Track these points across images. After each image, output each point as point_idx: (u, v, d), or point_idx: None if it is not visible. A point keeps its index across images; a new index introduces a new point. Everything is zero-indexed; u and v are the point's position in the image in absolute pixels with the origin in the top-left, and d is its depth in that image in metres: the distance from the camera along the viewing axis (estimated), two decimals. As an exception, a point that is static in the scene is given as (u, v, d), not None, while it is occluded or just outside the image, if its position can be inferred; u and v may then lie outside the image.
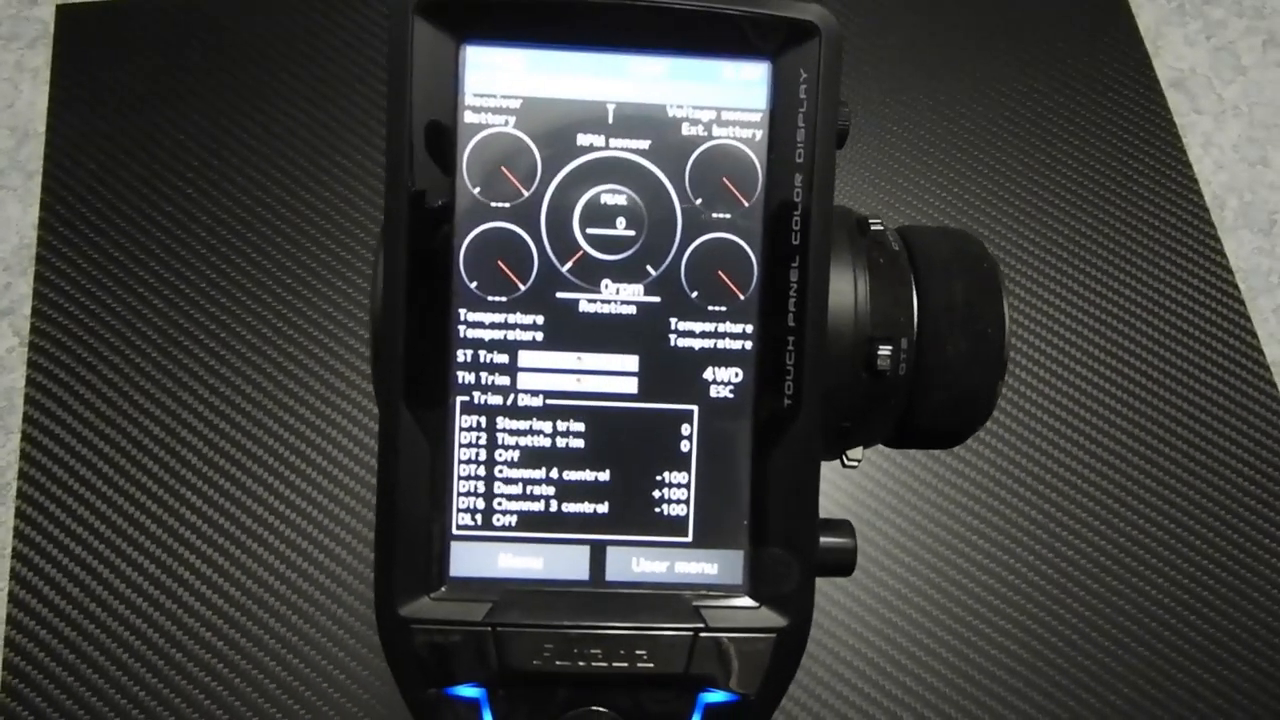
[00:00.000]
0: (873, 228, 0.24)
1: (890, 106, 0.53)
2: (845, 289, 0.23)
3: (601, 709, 0.21)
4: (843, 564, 0.23)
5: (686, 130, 0.21)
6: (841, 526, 0.23)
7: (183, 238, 0.49)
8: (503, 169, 0.21)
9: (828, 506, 0.46)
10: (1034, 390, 0.48)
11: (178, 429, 0.45)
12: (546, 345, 0.21)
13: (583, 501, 0.22)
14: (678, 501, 0.22)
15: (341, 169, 0.51)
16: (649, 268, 0.21)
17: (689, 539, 0.22)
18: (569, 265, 0.21)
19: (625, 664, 0.21)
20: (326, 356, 0.47)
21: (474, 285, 0.21)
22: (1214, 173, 0.54)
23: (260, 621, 0.43)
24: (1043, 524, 0.46)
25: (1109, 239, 0.51)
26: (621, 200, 0.21)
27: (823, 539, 0.22)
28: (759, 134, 0.21)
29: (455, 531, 0.22)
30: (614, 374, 0.22)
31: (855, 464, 0.25)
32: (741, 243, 0.21)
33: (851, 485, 0.46)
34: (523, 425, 0.22)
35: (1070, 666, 0.44)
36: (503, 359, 0.21)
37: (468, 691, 0.21)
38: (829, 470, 0.45)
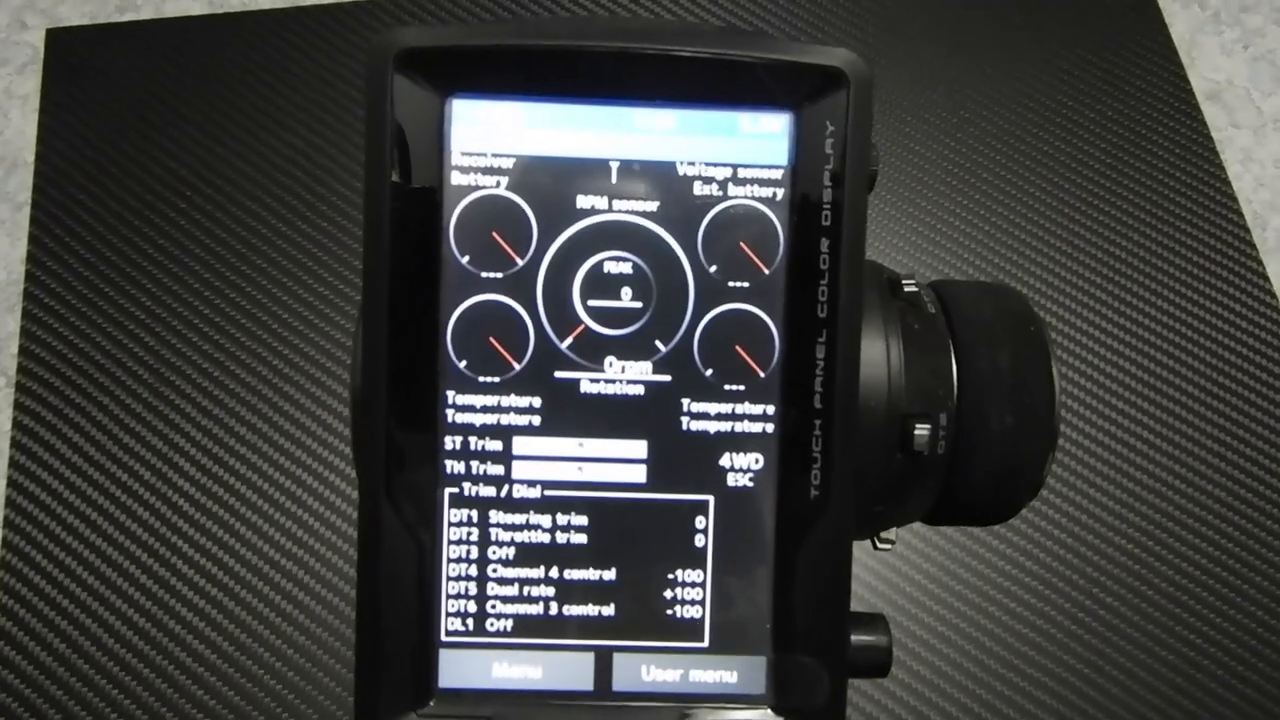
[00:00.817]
0: (906, 288, 0.22)
1: (912, 125, 0.51)
2: (877, 359, 0.21)
3: None
4: (877, 664, 0.21)
5: (699, 190, 0.19)
6: (874, 622, 0.21)
7: (175, 271, 0.47)
8: (494, 235, 0.19)
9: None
10: (1067, 437, 0.46)
11: (167, 471, 0.44)
12: (544, 430, 0.19)
13: (586, 603, 0.20)
14: (692, 602, 0.20)
15: (339, 196, 0.49)
16: (658, 343, 0.19)
17: (705, 644, 0.20)
18: (569, 341, 0.19)
19: (635, 785, 0.19)
20: (321, 394, 0.45)
21: (463, 364, 0.19)
22: (1254, 190, 0.51)
23: (249, 671, 0.41)
24: (1090, 604, 0.43)
25: (1143, 261, 0.49)
26: (627, 268, 0.19)
27: (853, 637, 0.20)
28: (780, 193, 0.19)
29: (444, 638, 0.19)
30: (620, 461, 0.19)
31: (888, 546, 0.23)
32: (762, 314, 0.19)
33: (874, 562, 0.43)
34: (519, 519, 0.19)
35: (1110, 722, 0.41)
36: (496, 446, 0.19)
37: (461, 818, 0.19)
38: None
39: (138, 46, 0.51)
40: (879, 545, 0.23)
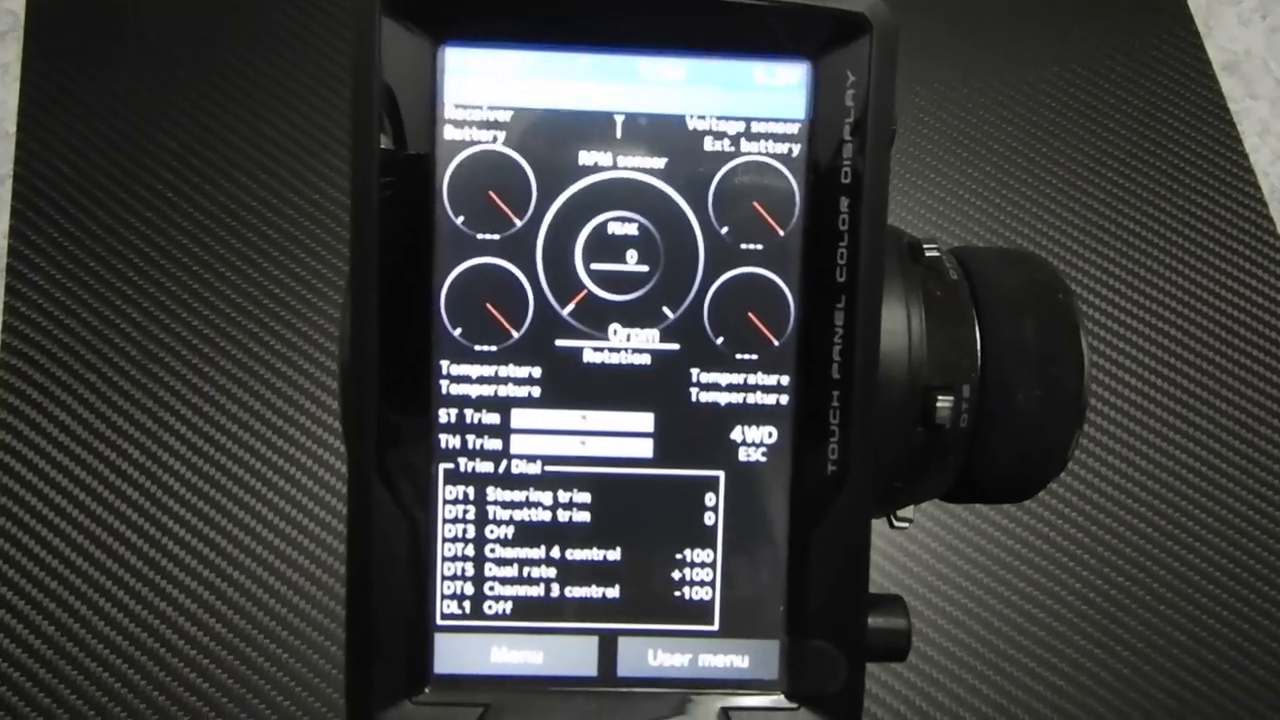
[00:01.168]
0: (928, 254, 0.20)
1: (922, 95, 0.49)
2: (897, 329, 0.19)
3: None
4: (895, 648, 0.20)
5: (709, 145, 0.18)
6: (893, 604, 0.20)
7: (162, 245, 0.46)
8: (491, 194, 0.18)
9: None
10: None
11: (154, 449, 0.43)
12: (545, 402, 0.18)
13: (589, 584, 0.18)
14: (701, 584, 0.19)
15: (330, 168, 0.47)
16: (666, 310, 0.18)
17: (714, 627, 0.19)
18: (570, 308, 0.18)
19: (641, 776, 0.18)
20: (313, 369, 0.44)
21: (458, 333, 0.18)
22: (1271, 163, 0.50)
23: (242, 654, 0.40)
24: (1102, 583, 0.42)
25: (1158, 235, 0.48)
26: (632, 230, 0.18)
27: (870, 620, 0.19)
28: (797, 149, 0.18)
29: (440, 622, 0.18)
30: (625, 435, 0.18)
31: (905, 524, 0.22)
32: (775, 278, 0.18)
33: (887, 544, 0.42)
34: (518, 496, 0.18)
35: None
36: (493, 419, 0.18)
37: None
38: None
39: (123, 13, 0.49)
40: (895, 523, 0.22)
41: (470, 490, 0.18)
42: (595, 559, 0.18)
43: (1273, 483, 0.44)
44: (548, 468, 0.18)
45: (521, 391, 0.18)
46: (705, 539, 0.18)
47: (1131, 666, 0.41)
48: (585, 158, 0.18)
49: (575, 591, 0.18)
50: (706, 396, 0.18)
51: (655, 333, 0.18)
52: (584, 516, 0.18)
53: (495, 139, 0.18)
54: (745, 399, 0.18)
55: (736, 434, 0.18)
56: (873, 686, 0.40)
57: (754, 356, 0.18)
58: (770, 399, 0.18)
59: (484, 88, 0.18)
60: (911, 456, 0.20)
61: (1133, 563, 0.42)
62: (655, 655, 0.19)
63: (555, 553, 0.18)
